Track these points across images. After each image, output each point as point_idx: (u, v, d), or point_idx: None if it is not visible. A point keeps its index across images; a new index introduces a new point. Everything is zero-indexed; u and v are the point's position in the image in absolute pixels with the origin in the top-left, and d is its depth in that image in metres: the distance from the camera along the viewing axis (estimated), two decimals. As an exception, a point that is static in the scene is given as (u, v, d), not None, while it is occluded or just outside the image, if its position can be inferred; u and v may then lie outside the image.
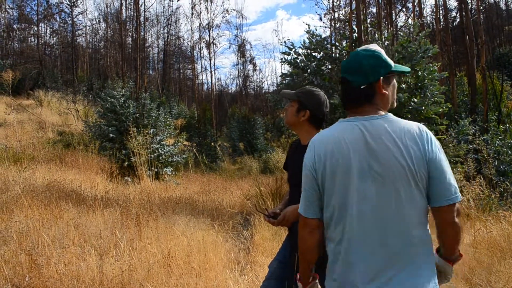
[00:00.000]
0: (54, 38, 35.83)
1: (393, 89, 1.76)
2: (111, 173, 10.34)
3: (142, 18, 20.14)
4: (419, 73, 8.86)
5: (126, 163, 10.40)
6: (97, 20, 35.66)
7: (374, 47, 1.76)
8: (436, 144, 1.62)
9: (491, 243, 4.94)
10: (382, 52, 1.74)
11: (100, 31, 35.63)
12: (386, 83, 1.72)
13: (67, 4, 26.77)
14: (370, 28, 10.68)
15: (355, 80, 1.71)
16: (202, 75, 56.44)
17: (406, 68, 1.81)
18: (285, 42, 10.24)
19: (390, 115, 1.68)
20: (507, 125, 12.52)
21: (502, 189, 8.05)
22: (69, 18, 27.68)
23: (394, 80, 1.77)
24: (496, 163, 9.75)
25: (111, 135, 11.17)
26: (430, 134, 1.63)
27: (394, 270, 1.53)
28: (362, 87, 1.69)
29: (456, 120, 11.52)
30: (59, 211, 5.15)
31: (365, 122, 1.66)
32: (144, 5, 21.28)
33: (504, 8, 42.70)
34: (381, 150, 1.58)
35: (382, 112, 1.69)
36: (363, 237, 1.57)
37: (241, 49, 33.95)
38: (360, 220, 1.57)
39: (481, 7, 30.61)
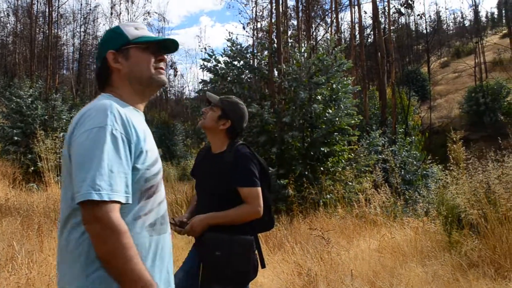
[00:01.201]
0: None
1: (136, 62, 1.54)
2: (14, 179, 9.62)
3: (55, 14, 19.08)
4: (334, 86, 9.25)
5: (32, 168, 9.76)
6: (5, 13, 33.13)
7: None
8: (86, 127, 1.32)
9: (395, 248, 5.24)
10: (124, 26, 1.59)
11: (8, 25, 33.14)
12: (124, 57, 1.53)
13: (-29, -6, 24.65)
14: (290, 41, 10.97)
15: (97, 63, 1.60)
16: (121, 78, 54.43)
17: (153, 37, 1.60)
18: (205, 48, 10.20)
19: (105, 96, 1.51)
20: (413, 137, 13.46)
21: (407, 197, 8.61)
22: (-27, 10, 25.49)
23: (141, 53, 1.55)
24: (402, 172, 10.43)
25: (15, 138, 10.44)
26: (88, 116, 1.35)
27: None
28: (99, 66, 1.57)
29: (367, 132, 12.15)
30: None
31: None
32: (58, 1, 20.18)
33: (413, 29, 46.20)
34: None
35: (108, 94, 1.53)
36: None
37: (163, 53, 33.37)
38: None
39: (393, 27, 32.79)
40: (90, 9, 30.30)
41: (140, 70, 1.54)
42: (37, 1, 18.81)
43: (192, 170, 2.65)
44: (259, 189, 2.33)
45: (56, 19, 20.81)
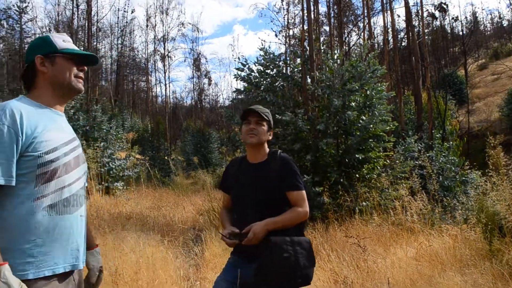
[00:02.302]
0: (0, 45, 34.46)
1: (61, 69, 1.81)
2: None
3: (94, 28, 19.77)
4: (368, 92, 9.20)
5: (75, 177, 10.13)
6: (47, 28, 34.56)
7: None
8: None
9: (433, 256, 5.17)
10: (54, 37, 1.85)
11: (50, 40, 34.55)
12: (50, 62, 1.80)
13: (15, 10, 25.86)
14: (323, 47, 10.99)
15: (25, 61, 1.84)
16: (156, 88, 55.86)
17: (77, 50, 1.87)
18: (238, 58, 10.37)
19: (18, 98, 1.78)
20: (451, 142, 13.16)
21: (445, 204, 8.43)
22: (17, 25, 26.71)
23: (65, 62, 1.83)
24: (440, 178, 10.21)
25: (59, 148, 10.86)
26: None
27: None
28: (25, 67, 1.83)
29: (403, 138, 11.97)
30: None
31: None
32: (97, 15, 20.95)
33: (449, 31, 45.15)
34: None
35: (23, 95, 1.81)
36: None
37: (197, 62, 33.93)
38: None
39: (427, 30, 32.18)
40: (126, 22, 31.18)
41: (63, 76, 1.82)
42: (77, 16, 19.57)
43: (224, 183, 2.68)
44: (304, 191, 2.45)
45: (95, 33, 21.56)
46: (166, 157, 20.42)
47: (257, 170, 2.49)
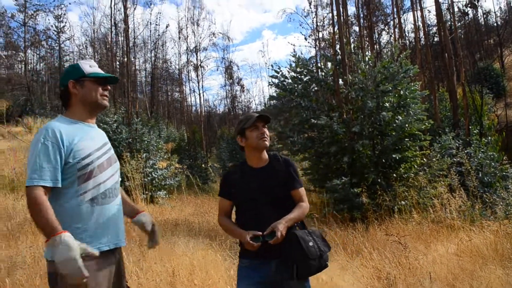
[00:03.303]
0: (41, 64, 36.02)
1: (88, 90, 2.25)
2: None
3: (131, 44, 20.51)
4: (401, 92, 9.29)
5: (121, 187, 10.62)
6: (84, 46, 35.96)
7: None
8: (32, 139, 2.09)
9: (474, 252, 5.26)
10: (82, 64, 2.30)
11: (87, 56, 35.90)
12: (80, 85, 2.24)
13: (54, 30, 27.07)
14: (354, 50, 11.12)
15: (60, 87, 2.31)
16: (190, 97, 56.89)
17: (101, 74, 2.31)
18: (272, 65, 10.68)
19: (56, 118, 2.26)
20: (489, 137, 12.99)
21: (486, 200, 8.40)
22: (56, 44, 27.91)
23: (92, 84, 2.26)
24: (480, 175, 10.13)
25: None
26: (36, 133, 2.10)
27: None
28: (62, 89, 2.29)
29: (439, 135, 11.92)
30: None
31: None
32: (134, 32, 21.76)
33: (482, 23, 43.93)
34: None
35: (61, 115, 2.29)
36: None
37: (228, 70, 34.47)
38: None
39: (460, 23, 31.56)
40: (158, 35, 32.04)
41: (91, 96, 2.26)
42: (115, 34, 20.36)
43: (227, 190, 2.73)
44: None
45: (132, 48, 22.33)
46: (203, 165, 20.89)
47: (265, 173, 2.67)
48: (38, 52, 32.91)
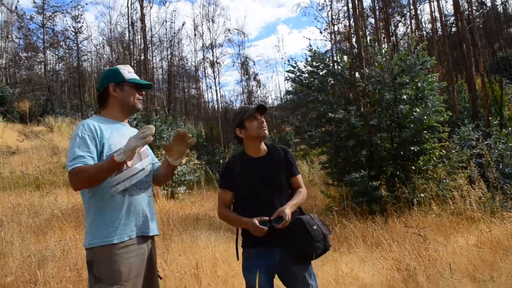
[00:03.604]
0: (60, 65, 36.58)
1: (127, 94, 2.47)
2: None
3: (148, 43, 20.73)
4: (419, 84, 9.25)
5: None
6: (101, 45, 36.41)
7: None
8: (72, 134, 2.32)
9: (494, 243, 5.26)
10: (121, 69, 2.50)
11: (104, 55, 36.39)
12: (120, 89, 2.46)
13: (72, 31, 27.47)
14: (370, 43, 11.08)
15: (99, 89, 2.52)
16: (207, 94, 57.10)
17: (138, 80, 2.53)
18: (288, 60, 10.71)
19: (91, 117, 2.48)
20: (510, 128, 12.81)
21: (507, 191, 8.33)
22: (74, 45, 28.34)
23: (130, 89, 2.48)
24: (500, 166, 10.02)
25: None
26: (76, 128, 2.32)
27: None
28: (101, 91, 2.50)
29: (458, 127, 11.82)
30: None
31: None
32: (151, 31, 22.01)
33: (501, 11, 43.05)
34: None
35: (96, 114, 2.52)
36: None
37: (244, 66, 34.50)
38: None
39: (478, 13, 31.01)
40: (174, 33, 32.18)
41: (129, 99, 2.47)
42: (132, 33, 20.56)
43: (229, 181, 2.75)
44: None
45: (149, 46, 22.57)
46: (221, 160, 21.07)
47: (266, 161, 2.76)
48: (56, 53, 33.37)
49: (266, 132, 2.77)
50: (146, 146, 2.56)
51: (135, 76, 2.54)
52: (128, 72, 2.52)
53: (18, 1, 52.63)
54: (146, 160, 2.52)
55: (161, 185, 2.72)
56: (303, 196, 2.75)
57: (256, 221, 2.49)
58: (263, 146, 2.82)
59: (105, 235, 2.21)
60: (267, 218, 2.51)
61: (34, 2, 25.15)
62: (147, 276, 2.36)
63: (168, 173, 2.62)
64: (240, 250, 2.77)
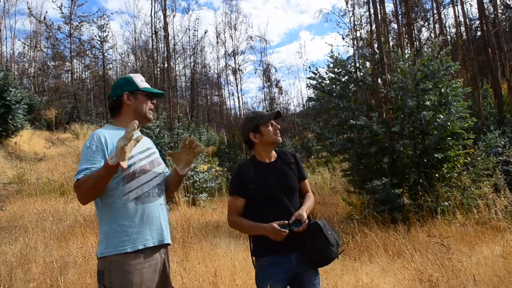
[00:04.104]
0: (87, 73, 37.43)
1: (140, 103, 2.50)
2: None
3: (171, 51, 21.02)
4: (442, 90, 9.08)
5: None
6: (126, 53, 37.11)
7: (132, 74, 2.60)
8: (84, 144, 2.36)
9: (522, 253, 5.10)
10: (135, 77, 2.53)
11: (129, 63, 37.08)
12: (134, 98, 2.49)
13: (98, 40, 28.09)
14: (393, 49, 10.95)
15: (111, 97, 2.52)
16: (229, 101, 57.47)
17: (151, 89, 2.55)
18: (309, 67, 10.68)
19: (105, 126, 2.50)
20: (538, 134, 12.44)
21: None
22: (100, 53, 28.96)
23: (144, 97, 2.51)
24: (529, 173, 9.73)
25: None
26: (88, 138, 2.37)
27: None
28: (113, 99, 2.51)
29: (484, 133, 11.56)
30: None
31: None
32: (174, 39, 22.33)
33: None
34: None
35: (108, 124, 2.57)
36: None
37: (266, 73, 34.62)
38: None
39: (504, 16, 30.36)
40: (197, 41, 32.58)
41: (141, 108, 2.50)
42: (156, 42, 20.89)
43: (242, 188, 2.70)
44: None
45: (172, 54, 22.87)
46: (243, 167, 21.06)
47: (278, 166, 2.78)
48: (83, 61, 34.14)
49: (280, 138, 2.81)
50: (158, 155, 2.60)
51: (147, 85, 2.58)
52: (140, 80, 2.55)
53: (46, 12, 54.16)
54: (159, 168, 2.51)
55: (170, 194, 2.69)
56: (312, 200, 2.82)
57: (276, 225, 2.48)
58: (273, 151, 2.85)
59: (118, 243, 2.21)
60: (287, 221, 2.51)
61: (62, 13, 25.82)
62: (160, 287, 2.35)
63: (176, 182, 2.61)
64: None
